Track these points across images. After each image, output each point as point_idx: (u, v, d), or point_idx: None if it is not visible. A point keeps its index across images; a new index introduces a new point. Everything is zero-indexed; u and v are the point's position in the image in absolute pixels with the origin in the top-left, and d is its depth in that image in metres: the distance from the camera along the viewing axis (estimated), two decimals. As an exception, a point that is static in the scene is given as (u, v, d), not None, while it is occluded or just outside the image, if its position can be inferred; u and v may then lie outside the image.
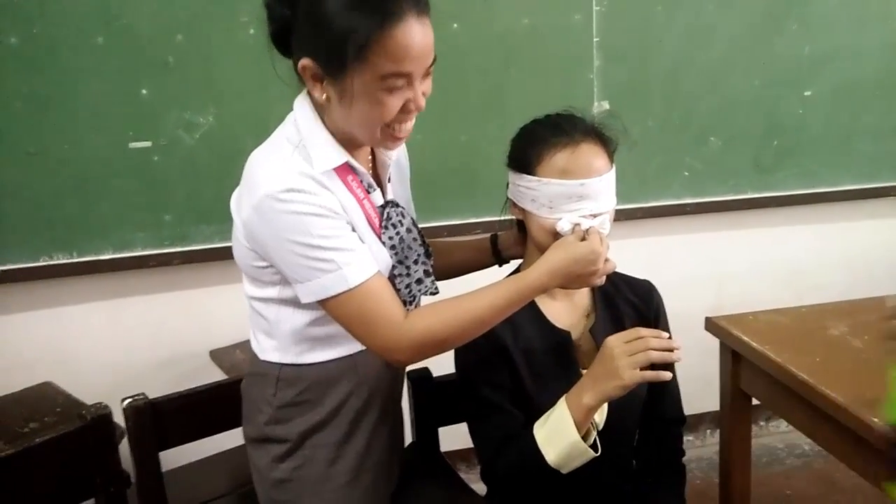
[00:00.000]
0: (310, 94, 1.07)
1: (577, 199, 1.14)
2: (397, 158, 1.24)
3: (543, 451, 1.11)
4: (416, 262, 1.18)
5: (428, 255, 1.21)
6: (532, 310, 1.24)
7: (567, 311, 1.27)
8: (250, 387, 1.25)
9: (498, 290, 1.08)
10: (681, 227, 2.49)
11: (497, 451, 1.18)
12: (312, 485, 1.17)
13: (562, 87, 2.25)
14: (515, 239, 1.34)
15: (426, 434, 1.45)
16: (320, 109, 1.08)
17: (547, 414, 1.14)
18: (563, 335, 1.23)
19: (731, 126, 2.42)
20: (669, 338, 1.09)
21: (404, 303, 1.13)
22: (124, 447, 1.34)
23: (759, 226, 2.57)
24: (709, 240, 2.54)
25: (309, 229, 1.02)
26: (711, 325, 1.60)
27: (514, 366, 1.20)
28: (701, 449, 2.56)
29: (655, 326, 1.28)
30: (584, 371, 1.14)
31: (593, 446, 1.10)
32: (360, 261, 1.05)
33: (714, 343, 1.63)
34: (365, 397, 1.19)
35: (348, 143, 1.09)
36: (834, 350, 1.43)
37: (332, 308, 1.06)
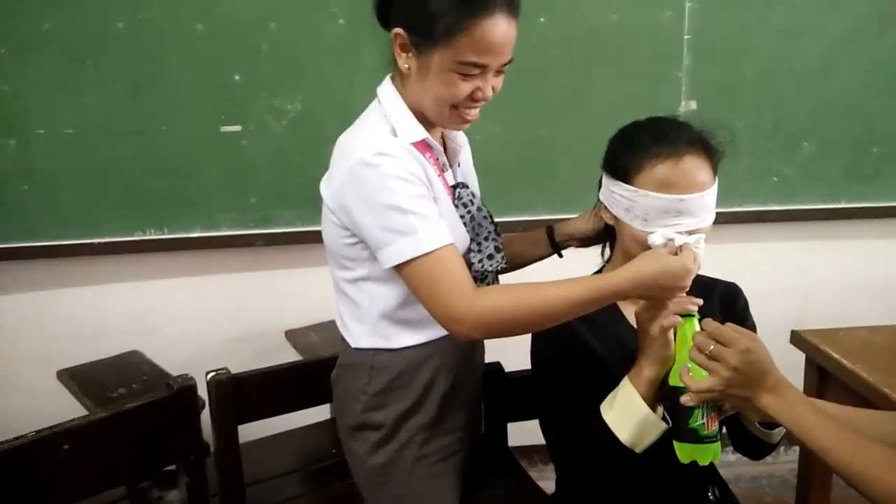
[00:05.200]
0: (395, 63, 1.14)
1: (675, 214, 1.09)
2: (465, 153, 1.30)
3: (616, 432, 1.09)
4: (486, 238, 1.22)
5: (497, 232, 1.25)
6: (613, 313, 1.22)
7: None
8: (343, 378, 1.29)
9: (575, 285, 1.06)
10: (766, 234, 2.40)
11: (570, 444, 1.17)
12: (411, 465, 1.22)
13: (648, 85, 2.20)
14: (576, 230, 1.33)
15: (495, 428, 1.46)
16: (402, 87, 1.16)
17: (612, 396, 1.12)
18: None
19: (827, 131, 2.31)
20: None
21: (476, 279, 1.16)
22: (205, 418, 1.40)
23: (852, 237, 2.44)
24: (795, 249, 2.44)
25: (393, 191, 1.07)
26: (798, 338, 1.54)
27: (598, 368, 1.18)
28: (774, 466, 2.47)
29: None
30: None
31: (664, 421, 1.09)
32: (435, 229, 1.09)
33: (796, 357, 1.57)
34: (449, 381, 1.23)
35: (423, 122, 1.16)
36: (932, 373, 1.35)
37: (406, 275, 1.10)
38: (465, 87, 1.09)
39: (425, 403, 1.22)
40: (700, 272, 1.20)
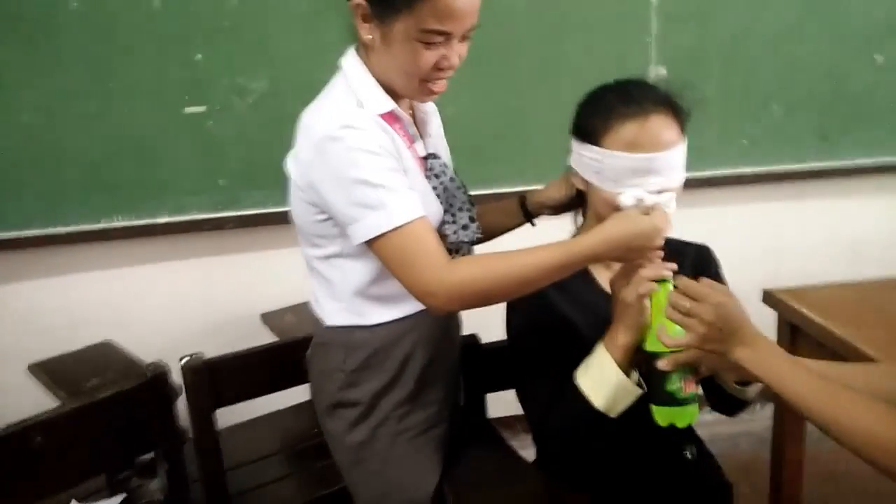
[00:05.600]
0: (357, 35, 1.11)
1: (644, 173, 1.09)
2: (435, 123, 1.28)
3: (591, 398, 1.10)
4: (460, 209, 1.21)
5: (471, 202, 1.24)
6: (586, 279, 1.22)
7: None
8: (318, 357, 1.27)
9: (548, 251, 1.06)
10: (738, 197, 2.41)
11: (546, 412, 1.18)
12: (389, 441, 1.22)
13: (617, 52, 2.19)
14: (548, 198, 1.32)
15: (474, 399, 1.46)
16: (366, 59, 1.13)
17: (586, 363, 1.13)
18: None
19: (795, 92, 2.33)
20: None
21: (450, 250, 1.15)
22: (182, 405, 1.38)
23: (822, 197, 2.47)
24: (767, 211, 2.47)
25: (361, 165, 1.06)
26: (769, 297, 1.56)
27: (573, 336, 1.18)
28: (750, 423, 2.50)
29: None
30: None
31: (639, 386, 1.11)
32: (406, 202, 1.07)
33: (770, 317, 1.58)
34: (426, 356, 1.22)
35: (390, 93, 1.14)
36: (901, 326, 1.38)
37: (378, 250, 1.08)
38: (430, 57, 1.07)
39: (402, 379, 1.21)
40: (673, 236, 1.21)
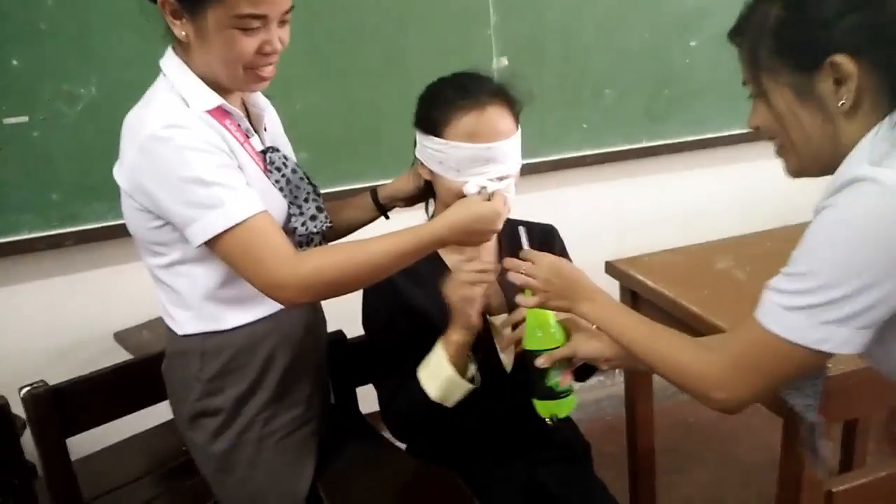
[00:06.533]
0: (172, 34, 1.08)
1: (484, 162, 1.15)
2: (271, 117, 1.26)
3: (426, 389, 1.17)
4: (306, 200, 1.20)
5: (317, 192, 1.23)
6: (438, 265, 1.26)
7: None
8: (173, 369, 1.23)
9: (396, 237, 1.09)
10: (581, 178, 2.56)
11: (392, 397, 1.24)
12: (255, 446, 1.20)
13: (460, 44, 2.25)
14: (398, 190, 1.35)
15: (344, 395, 1.47)
16: (185, 57, 1.10)
17: (428, 356, 1.20)
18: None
19: (625, 78, 2.50)
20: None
21: (301, 243, 1.15)
22: (29, 438, 1.28)
23: (655, 172, 2.68)
24: (608, 189, 2.64)
25: (191, 164, 1.02)
26: (611, 268, 1.68)
27: (423, 320, 1.22)
28: (611, 388, 2.69)
29: None
30: (492, 319, 1.19)
31: (474, 381, 1.19)
32: (243, 197, 1.05)
33: (614, 287, 1.71)
34: (289, 356, 1.21)
35: (218, 89, 1.11)
36: (720, 283, 1.54)
37: (220, 250, 1.06)
38: (250, 43, 1.05)
39: (265, 381, 1.19)
40: (523, 217, 1.28)
